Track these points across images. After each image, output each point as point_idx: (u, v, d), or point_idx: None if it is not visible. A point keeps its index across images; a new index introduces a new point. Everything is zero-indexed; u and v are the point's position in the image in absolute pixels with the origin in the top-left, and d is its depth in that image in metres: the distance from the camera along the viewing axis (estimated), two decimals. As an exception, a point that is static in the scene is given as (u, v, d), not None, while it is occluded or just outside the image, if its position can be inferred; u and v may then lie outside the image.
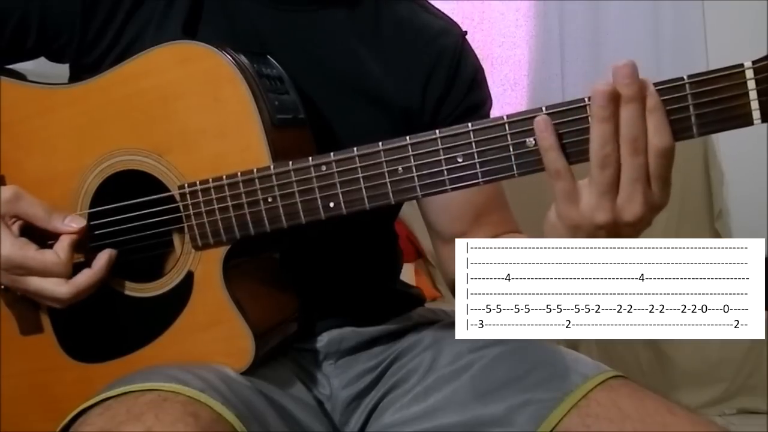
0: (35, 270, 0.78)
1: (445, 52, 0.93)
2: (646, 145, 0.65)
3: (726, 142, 2.82)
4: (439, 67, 0.93)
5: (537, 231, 0.76)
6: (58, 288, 0.78)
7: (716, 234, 2.81)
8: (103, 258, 0.80)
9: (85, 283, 0.79)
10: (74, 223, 0.80)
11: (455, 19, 1.00)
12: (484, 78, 0.98)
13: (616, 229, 0.68)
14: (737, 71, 0.63)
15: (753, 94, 0.63)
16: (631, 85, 0.64)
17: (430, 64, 0.93)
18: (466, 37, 0.97)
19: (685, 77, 0.64)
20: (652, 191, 0.66)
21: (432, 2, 0.99)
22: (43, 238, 0.80)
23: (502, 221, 0.98)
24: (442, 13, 0.99)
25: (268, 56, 0.83)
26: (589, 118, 0.66)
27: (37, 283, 0.79)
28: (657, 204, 0.67)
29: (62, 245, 0.79)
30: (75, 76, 0.90)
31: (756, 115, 0.63)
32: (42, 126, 0.84)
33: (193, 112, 0.77)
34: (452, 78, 0.93)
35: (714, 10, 2.94)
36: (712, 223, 2.84)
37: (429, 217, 0.98)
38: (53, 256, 0.78)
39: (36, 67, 0.92)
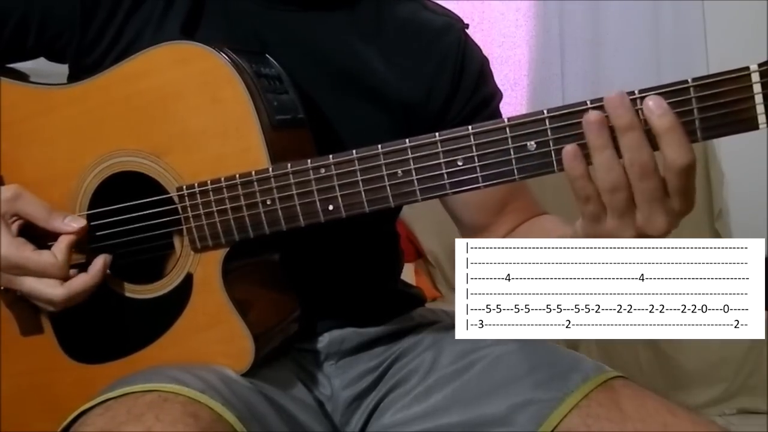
0: (32, 270, 0.78)
1: (449, 50, 0.93)
2: (655, 166, 0.63)
3: (726, 142, 2.81)
4: (444, 66, 0.93)
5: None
6: (53, 290, 0.78)
7: (716, 234, 2.81)
8: (98, 263, 0.79)
9: (80, 287, 0.78)
10: (74, 223, 0.80)
11: (455, 19, 1.00)
12: (490, 71, 0.98)
13: (645, 237, 0.67)
14: (742, 74, 0.62)
15: (759, 98, 0.61)
16: (623, 115, 0.63)
17: (435, 63, 0.92)
18: (468, 30, 0.97)
19: (689, 80, 0.63)
20: (673, 205, 0.65)
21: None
22: (42, 238, 0.80)
23: (528, 206, 0.98)
24: (443, 8, 0.98)
25: (267, 56, 0.83)
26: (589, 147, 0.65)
27: (32, 283, 0.78)
28: (682, 212, 0.66)
29: (60, 247, 0.79)
30: (74, 76, 0.90)
31: (762, 119, 0.62)
32: (41, 126, 0.84)
33: (191, 113, 0.77)
34: (458, 75, 0.93)
35: (714, 10, 2.94)
36: (712, 223, 2.85)
37: (454, 212, 0.98)
38: (50, 257, 0.78)
39: (36, 66, 0.92)
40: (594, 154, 0.64)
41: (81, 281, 0.79)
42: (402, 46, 0.92)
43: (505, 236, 0.97)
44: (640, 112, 0.63)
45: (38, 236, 0.80)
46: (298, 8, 0.89)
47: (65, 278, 0.79)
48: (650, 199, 0.64)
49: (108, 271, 0.82)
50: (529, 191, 0.99)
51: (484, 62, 0.97)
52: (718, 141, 2.82)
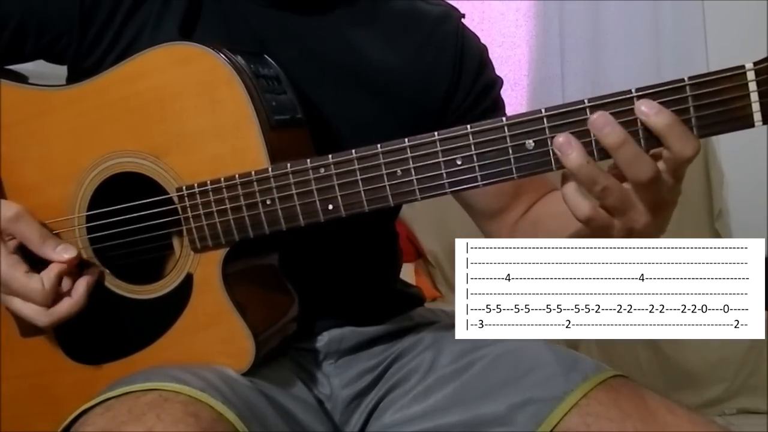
0: (17, 292, 0.78)
1: (447, 38, 0.94)
2: (658, 170, 0.64)
3: (726, 142, 2.82)
4: (443, 54, 0.93)
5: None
6: (37, 316, 0.79)
7: (716, 234, 2.81)
8: (81, 287, 0.80)
9: (63, 313, 0.79)
10: (66, 253, 0.79)
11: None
12: (490, 59, 0.98)
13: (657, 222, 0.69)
14: (738, 72, 0.62)
15: (754, 96, 0.62)
16: (611, 133, 0.64)
17: (434, 52, 0.93)
18: (464, 19, 0.97)
19: (685, 78, 0.63)
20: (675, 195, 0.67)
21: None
22: (40, 260, 0.80)
23: (542, 185, 0.99)
24: (438, 0, 0.99)
25: (265, 56, 0.83)
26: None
27: (18, 305, 0.79)
28: (676, 200, 0.68)
29: (49, 275, 0.78)
30: (73, 78, 0.90)
31: (757, 117, 0.63)
32: (39, 128, 0.83)
33: (190, 114, 0.77)
34: (459, 63, 0.94)
35: (714, 10, 2.94)
36: (712, 223, 2.85)
37: (467, 200, 0.99)
38: (37, 283, 0.77)
39: (36, 67, 0.92)
40: (574, 174, 0.66)
41: (65, 307, 0.79)
42: (401, 39, 0.92)
43: (521, 216, 0.98)
44: (637, 120, 0.64)
45: (36, 258, 0.80)
46: (295, 7, 0.89)
47: (48, 306, 0.78)
48: (658, 200, 0.66)
49: (108, 271, 0.82)
50: None
51: (483, 50, 0.97)
52: (718, 141, 2.82)
